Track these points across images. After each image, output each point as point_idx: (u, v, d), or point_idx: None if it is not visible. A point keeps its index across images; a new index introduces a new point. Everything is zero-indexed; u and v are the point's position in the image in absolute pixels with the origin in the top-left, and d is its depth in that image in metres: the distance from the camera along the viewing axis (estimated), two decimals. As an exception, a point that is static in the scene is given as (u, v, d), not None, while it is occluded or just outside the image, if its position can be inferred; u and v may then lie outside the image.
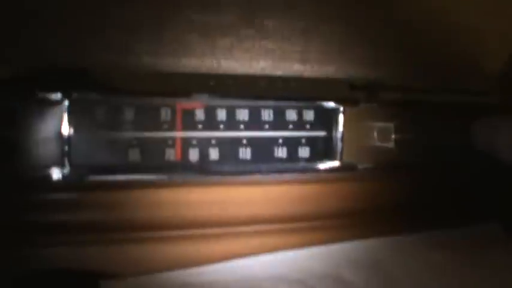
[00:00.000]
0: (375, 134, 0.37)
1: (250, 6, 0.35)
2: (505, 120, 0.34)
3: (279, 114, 0.37)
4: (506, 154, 0.32)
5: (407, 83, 0.39)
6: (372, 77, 0.39)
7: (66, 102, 0.32)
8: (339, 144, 0.38)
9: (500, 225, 0.43)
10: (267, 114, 0.36)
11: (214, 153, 0.36)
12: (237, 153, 0.36)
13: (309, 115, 0.37)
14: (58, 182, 0.33)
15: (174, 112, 0.35)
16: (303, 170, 0.38)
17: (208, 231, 0.37)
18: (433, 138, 0.39)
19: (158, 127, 0.34)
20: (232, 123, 0.36)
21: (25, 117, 0.32)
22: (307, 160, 0.38)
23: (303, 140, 0.37)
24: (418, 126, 0.38)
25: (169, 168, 0.35)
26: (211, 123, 0.35)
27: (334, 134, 0.38)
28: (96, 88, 0.33)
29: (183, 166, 0.35)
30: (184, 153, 0.35)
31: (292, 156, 0.37)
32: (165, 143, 0.35)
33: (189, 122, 0.35)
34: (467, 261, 0.39)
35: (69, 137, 0.33)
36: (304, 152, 0.37)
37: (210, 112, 0.35)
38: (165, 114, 0.34)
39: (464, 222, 0.42)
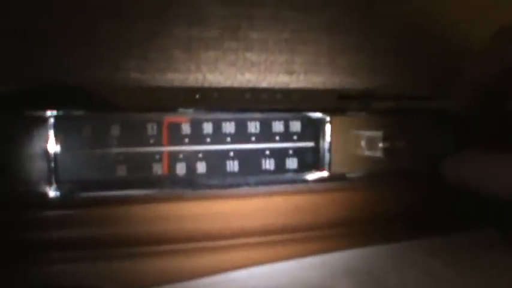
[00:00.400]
0: (363, 143, 0.37)
1: (234, 18, 0.35)
2: (473, 156, 0.33)
3: (266, 126, 0.37)
4: (480, 189, 0.32)
5: (396, 92, 0.39)
6: (359, 87, 0.39)
7: (52, 120, 0.33)
8: (327, 155, 0.38)
9: (495, 231, 0.42)
10: (253, 127, 0.36)
11: (201, 167, 0.36)
12: (224, 166, 0.36)
13: (296, 126, 0.37)
14: (45, 199, 0.33)
15: (160, 126, 0.35)
16: (291, 181, 0.37)
17: (199, 244, 0.37)
18: (423, 146, 0.39)
19: (145, 142, 0.34)
20: (218, 136, 0.36)
21: (11, 134, 0.32)
22: (295, 171, 0.37)
23: (291, 151, 0.37)
24: (407, 134, 0.37)
25: (157, 182, 0.35)
26: (197, 136, 0.35)
27: (321, 144, 0.38)
28: (82, 105, 0.33)
29: (171, 180, 0.35)
30: (172, 167, 0.35)
31: (280, 167, 0.37)
32: (152, 157, 0.35)
33: (176, 136, 0.35)
34: (464, 268, 0.39)
35: (55, 154, 0.33)
36: (292, 163, 0.37)
37: (196, 126, 0.35)
38: (151, 129, 0.34)
39: (457, 228, 0.41)
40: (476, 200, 0.41)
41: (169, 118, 0.35)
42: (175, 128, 0.35)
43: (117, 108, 0.34)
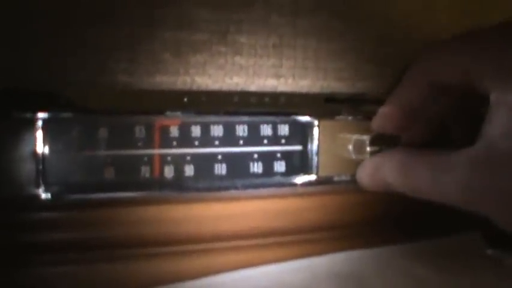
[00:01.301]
0: (350, 147, 0.37)
1: (223, 22, 0.35)
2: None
3: (254, 129, 0.37)
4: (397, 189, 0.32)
5: (384, 96, 0.39)
6: (348, 90, 0.39)
7: (40, 122, 0.33)
8: (315, 158, 0.38)
9: (480, 235, 0.43)
10: (241, 130, 0.37)
11: (189, 170, 0.36)
12: (212, 169, 0.36)
13: (284, 129, 0.37)
14: (33, 201, 0.33)
15: (150, 129, 0.35)
16: (279, 185, 0.38)
17: (187, 247, 0.37)
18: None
19: (133, 145, 0.34)
20: (206, 139, 0.36)
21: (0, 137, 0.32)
22: (283, 174, 0.38)
23: (279, 155, 0.38)
24: (394, 138, 0.38)
25: (146, 185, 0.35)
26: (186, 139, 0.35)
27: (309, 147, 0.38)
28: (70, 107, 0.33)
29: (159, 183, 0.35)
30: (160, 170, 0.35)
31: (268, 171, 0.37)
32: (140, 160, 0.35)
33: (165, 139, 0.35)
34: (447, 273, 0.39)
35: (44, 156, 0.33)
36: (279, 166, 0.38)
37: (185, 129, 0.35)
38: (139, 131, 0.35)
39: (444, 232, 0.42)
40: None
41: (161, 121, 0.35)
42: (165, 130, 0.35)
43: (105, 110, 0.34)
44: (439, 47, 0.32)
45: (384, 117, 0.35)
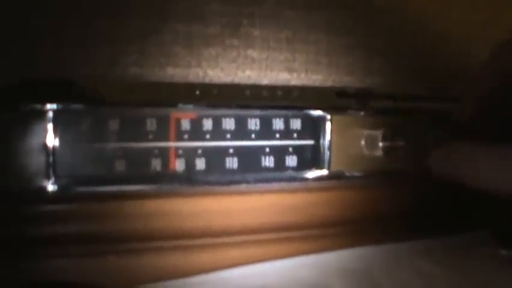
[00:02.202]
0: (363, 142, 0.37)
1: (236, 15, 0.35)
2: (464, 148, 0.34)
3: (266, 123, 0.37)
4: (471, 182, 0.32)
5: (396, 91, 0.39)
6: (359, 85, 0.39)
7: (51, 114, 0.32)
8: (327, 153, 0.37)
9: (490, 233, 0.42)
10: (253, 124, 0.36)
11: (200, 163, 0.35)
12: (223, 163, 0.36)
13: (296, 124, 0.37)
14: (43, 193, 0.33)
15: (161, 122, 0.34)
16: (291, 179, 0.37)
17: (197, 241, 0.37)
18: (422, 146, 0.39)
19: (144, 138, 0.34)
20: (218, 132, 0.36)
21: (9, 128, 0.32)
22: (295, 169, 0.37)
23: (290, 149, 0.37)
24: (407, 134, 0.37)
25: (156, 178, 0.35)
26: (197, 132, 0.35)
27: (321, 142, 0.37)
28: (81, 99, 0.33)
29: (170, 176, 0.35)
30: (171, 163, 0.35)
31: (280, 165, 0.37)
32: (151, 153, 0.34)
33: (176, 132, 0.35)
34: (458, 270, 0.39)
35: (54, 148, 0.32)
36: (291, 161, 0.37)
37: (196, 122, 0.35)
38: (150, 124, 0.34)
39: (454, 230, 0.41)
40: (471, 201, 0.41)
41: (173, 114, 0.34)
42: (176, 123, 0.35)
43: (116, 102, 0.34)
44: None
45: (462, 113, 0.35)
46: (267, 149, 0.37)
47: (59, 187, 0.33)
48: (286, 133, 0.37)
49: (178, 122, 0.35)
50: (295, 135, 0.37)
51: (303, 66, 0.37)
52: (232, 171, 0.36)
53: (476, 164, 0.31)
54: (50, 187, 0.32)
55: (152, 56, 0.34)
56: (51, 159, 0.32)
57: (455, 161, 0.33)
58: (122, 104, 0.34)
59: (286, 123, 0.37)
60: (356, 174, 0.38)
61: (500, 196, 0.30)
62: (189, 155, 0.35)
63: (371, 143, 0.37)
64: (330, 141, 0.37)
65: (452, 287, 0.37)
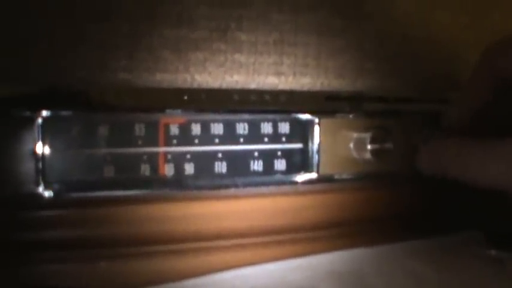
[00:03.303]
0: (351, 145, 0.37)
1: (223, 19, 0.35)
2: (451, 143, 0.34)
3: (254, 127, 0.37)
4: (459, 176, 0.32)
5: (385, 94, 0.39)
6: (347, 88, 0.39)
7: (40, 120, 0.32)
8: (316, 156, 0.38)
9: (483, 235, 0.43)
10: (242, 128, 0.36)
11: (189, 168, 0.35)
12: (212, 167, 0.36)
13: (285, 127, 0.37)
14: (33, 199, 0.33)
15: (150, 127, 0.35)
16: (280, 183, 0.37)
17: (188, 245, 0.37)
18: (412, 148, 0.39)
19: (133, 143, 0.34)
20: (207, 137, 0.36)
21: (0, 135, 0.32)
22: (284, 173, 0.37)
23: (279, 153, 0.37)
24: (396, 136, 0.37)
25: (146, 183, 0.35)
26: (186, 137, 0.35)
27: (310, 146, 0.38)
28: (70, 105, 0.33)
29: (160, 181, 0.35)
30: (160, 168, 0.35)
31: (269, 169, 0.37)
32: (140, 158, 0.35)
33: (165, 137, 0.35)
34: (450, 270, 0.39)
35: (43, 154, 0.33)
36: (280, 164, 0.37)
37: (185, 127, 0.35)
38: (139, 129, 0.34)
39: (443, 231, 0.42)
40: (461, 202, 0.41)
41: (161, 119, 0.35)
42: (165, 128, 0.35)
43: (105, 108, 0.34)
44: (506, 43, 0.32)
45: (451, 119, 0.35)
46: (256, 153, 0.37)
47: (49, 193, 0.33)
48: (275, 137, 0.37)
49: (167, 127, 0.35)
50: (283, 139, 0.37)
51: (291, 69, 0.37)
52: (221, 176, 0.36)
53: (464, 159, 0.32)
54: (40, 193, 0.32)
55: (141, 61, 0.34)
56: (40, 166, 0.32)
57: (443, 156, 0.33)
58: (111, 110, 0.34)
59: (275, 127, 0.37)
60: (345, 176, 0.38)
61: (489, 190, 0.30)
62: (178, 160, 0.35)
63: (360, 145, 0.37)
64: (319, 145, 0.37)
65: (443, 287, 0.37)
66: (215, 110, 0.36)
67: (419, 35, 0.40)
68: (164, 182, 0.35)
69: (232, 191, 0.36)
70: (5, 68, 0.32)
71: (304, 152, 0.38)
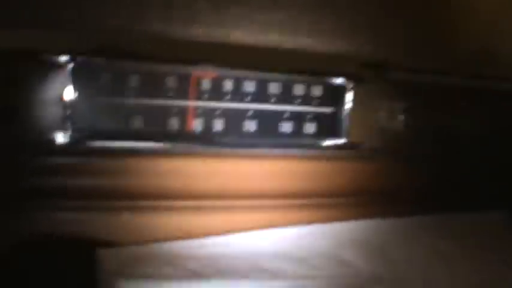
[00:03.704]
0: (383, 114, 0.36)
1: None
2: None
3: (287, 88, 0.36)
4: None
5: (418, 65, 0.38)
6: (383, 56, 0.38)
7: (71, 66, 0.32)
8: (346, 122, 0.37)
9: (502, 213, 0.42)
10: (274, 87, 0.36)
11: (218, 124, 0.35)
12: (241, 125, 0.35)
13: (317, 90, 0.37)
14: (59, 146, 0.32)
15: (182, 80, 0.34)
16: (308, 146, 0.37)
17: (209, 203, 0.37)
18: (442, 122, 0.38)
19: (163, 95, 0.34)
20: (238, 94, 0.35)
21: (28, 80, 0.31)
22: (313, 136, 0.37)
23: (310, 116, 0.37)
24: (427, 109, 0.37)
25: (173, 137, 0.34)
26: (217, 93, 0.35)
27: (341, 111, 0.37)
28: (101, 53, 0.32)
29: (187, 136, 0.35)
30: (189, 122, 0.34)
31: (298, 131, 0.37)
32: (169, 111, 0.34)
33: (196, 91, 0.34)
34: (472, 249, 0.39)
35: (72, 101, 0.32)
36: (310, 127, 0.37)
37: (217, 82, 0.35)
38: (170, 82, 0.34)
39: (470, 208, 0.41)
40: (488, 181, 0.41)
41: (194, 73, 0.34)
42: (196, 83, 0.34)
43: (136, 57, 0.33)
44: None
45: None
46: (287, 114, 0.36)
47: (72, 140, 0.32)
48: (307, 99, 0.36)
49: (198, 81, 0.34)
50: (315, 102, 0.37)
51: (328, 31, 0.36)
52: (250, 134, 0.36)
53: None
54: (64, 140, 0.32)
55: (176, 12, 0.33)
56: (68, 112, 0.32)
57: None
58: (143, 60, 0.33)
59: (307, 89, 0.36)
60: (373, 145, 0.38)
61: None
62: (208, 115, 0.35)
63: (391, 115, 0.36)
64: (350, 111, 0.37)
65: (467, 265, 0.37)
66: (248, 67, 0.35)
67: (458, 6, 0.39)
68: (191, 137, 0.35)
69: (259, 151, 0.36)
70: (37, 13, 0.31)
71: (335, 117, 0.37)
